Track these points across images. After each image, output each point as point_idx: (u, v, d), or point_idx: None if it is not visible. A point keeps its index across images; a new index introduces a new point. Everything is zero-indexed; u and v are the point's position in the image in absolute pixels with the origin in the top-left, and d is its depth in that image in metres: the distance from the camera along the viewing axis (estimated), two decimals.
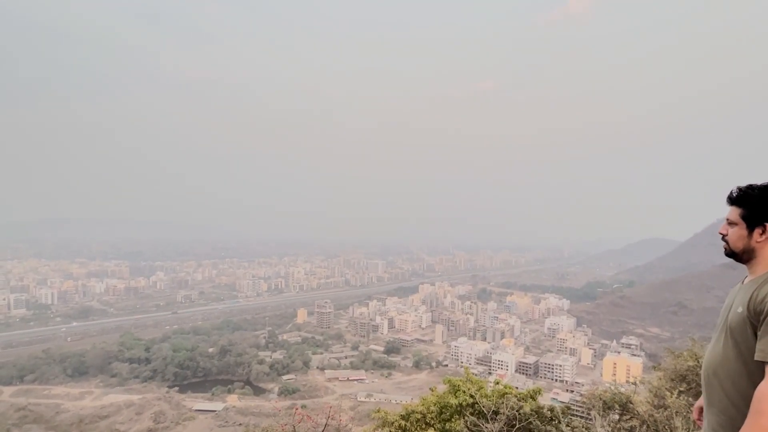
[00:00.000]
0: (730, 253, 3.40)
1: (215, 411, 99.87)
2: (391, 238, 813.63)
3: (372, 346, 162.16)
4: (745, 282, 3.33)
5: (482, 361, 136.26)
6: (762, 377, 2.85)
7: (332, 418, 14.36)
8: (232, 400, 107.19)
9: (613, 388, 12.00)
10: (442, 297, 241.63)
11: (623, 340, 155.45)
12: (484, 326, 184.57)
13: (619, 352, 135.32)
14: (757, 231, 3.22)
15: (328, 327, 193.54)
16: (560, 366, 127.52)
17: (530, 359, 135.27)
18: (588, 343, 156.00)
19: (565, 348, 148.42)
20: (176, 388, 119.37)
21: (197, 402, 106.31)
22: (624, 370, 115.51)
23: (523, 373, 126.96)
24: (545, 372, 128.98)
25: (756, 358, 2.90)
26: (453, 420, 11.32)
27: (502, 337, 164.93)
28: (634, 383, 12.75)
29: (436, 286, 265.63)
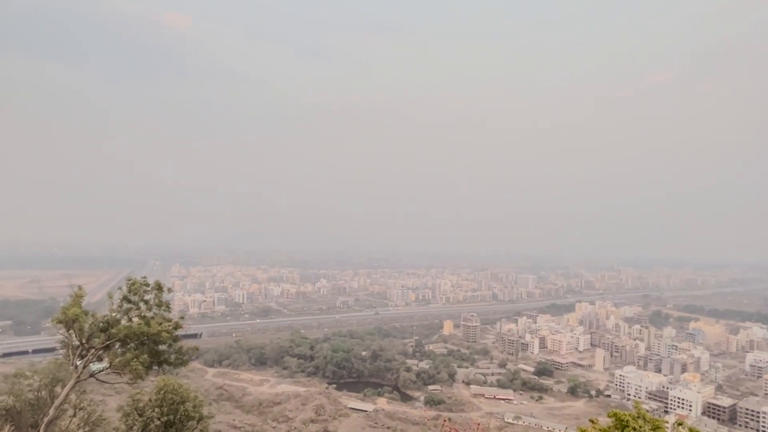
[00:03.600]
0: None
1: (366, 411, 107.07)
2: (543, 251, 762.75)
3: (521, 366, 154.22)
4: None
5: (656, 396, 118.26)
6: None
7: None
8: (382, 402, 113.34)
9: None
10: (603, 318, 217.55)
11: None
12: (658, 355, 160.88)
13: None
14: None
15: (474, 341, 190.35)
16: None
17: (724, 401, 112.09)
18: None
19: None
20: (334, 385, 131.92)
21: (351, 401, 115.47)
22: None
23: (713, 417, 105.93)
24: (746, 419, 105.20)
25: None
26: None
27: (684, 370, 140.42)
28: None
29: (596, 305, 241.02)
